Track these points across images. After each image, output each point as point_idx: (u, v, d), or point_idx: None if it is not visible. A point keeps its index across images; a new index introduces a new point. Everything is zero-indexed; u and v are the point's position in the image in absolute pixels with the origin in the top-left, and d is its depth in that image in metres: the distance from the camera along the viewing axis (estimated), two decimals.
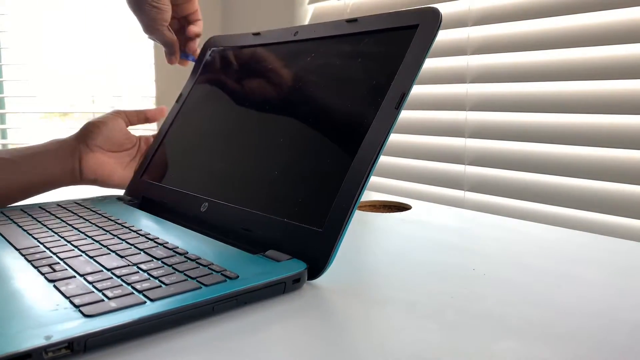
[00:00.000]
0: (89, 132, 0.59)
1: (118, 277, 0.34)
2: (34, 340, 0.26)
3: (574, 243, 0.50)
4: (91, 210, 0.54)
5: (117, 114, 0.62)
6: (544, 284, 0.39)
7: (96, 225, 0.48)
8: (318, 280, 0.38)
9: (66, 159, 0.58)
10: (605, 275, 0.41)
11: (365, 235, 0.53)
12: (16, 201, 0.57)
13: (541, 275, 0.41)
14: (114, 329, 0.28)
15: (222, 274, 0.35)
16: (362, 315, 0.33)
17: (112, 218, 0.51)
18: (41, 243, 0.43)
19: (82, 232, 0.46)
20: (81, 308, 0.29)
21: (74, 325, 0.28)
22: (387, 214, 0.63)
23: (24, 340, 0.26)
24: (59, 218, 0.51)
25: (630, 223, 0.69)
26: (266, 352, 0.28)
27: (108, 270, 0.36)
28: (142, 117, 0.64)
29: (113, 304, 0.30)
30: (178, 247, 0.41)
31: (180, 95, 0.64)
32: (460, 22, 0.85)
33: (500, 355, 0.29)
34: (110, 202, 0.58)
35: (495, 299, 0.36)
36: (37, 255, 0.39)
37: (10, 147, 1.60)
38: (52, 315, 0.29)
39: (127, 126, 0.62)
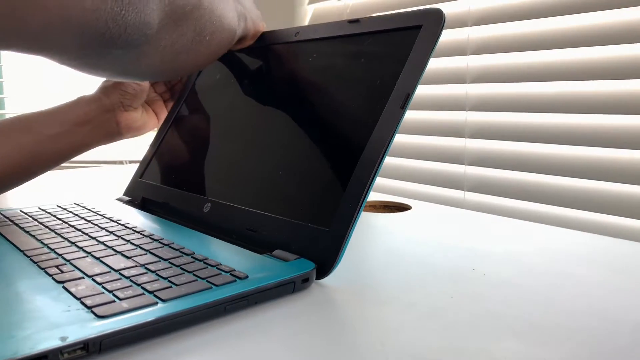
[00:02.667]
0: (123, 93, 0.59)
1: (127, 277, 0.35)
2: (50, 342, 0.26)
3: (574, 243, 0.51)
4: (91, 211, 0.54)
5: None
6: (544, 284, 0.40)
7: (98, 226, 0.48)
8: (323, 280, 0.38)
9: (102, 126, 0.57)
10: (605, 275, 0.42)
11: (365, 235, 0.53)
12: (38, 174, 0.56)
13: (541, 275, 0.41)
14: (128, 329, 0.28)
15: (231, 274, 0.35)
16: (361, 315, 0.34)
17: (114, 219, 0.50)
18: (45, 244, 0.42)
19: (85, 233, 0.45)
20: (93, 309, 0.30)
21: (89, 326, 0.28)
22: (387, 214, 0.63)
23: (39, 341, 0.26)
24: (59, 219, 0.50)
25: (630, 223, 0.70)
26: (278, 350, 0.29)
27: (116, 271, 0.36)
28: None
29: (125, 305, 0.30)
30: (184, 248, 0.41)
31: (181, 94, 0.64)
32: (460, 22, 0.85)
33: (500, 355, 0.29)
34: (109, 203, 0.58)
35: (495, 299, 0.37)
36: (43, 257, 0.39)
37: None
38: (64, 316, 0.29)
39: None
